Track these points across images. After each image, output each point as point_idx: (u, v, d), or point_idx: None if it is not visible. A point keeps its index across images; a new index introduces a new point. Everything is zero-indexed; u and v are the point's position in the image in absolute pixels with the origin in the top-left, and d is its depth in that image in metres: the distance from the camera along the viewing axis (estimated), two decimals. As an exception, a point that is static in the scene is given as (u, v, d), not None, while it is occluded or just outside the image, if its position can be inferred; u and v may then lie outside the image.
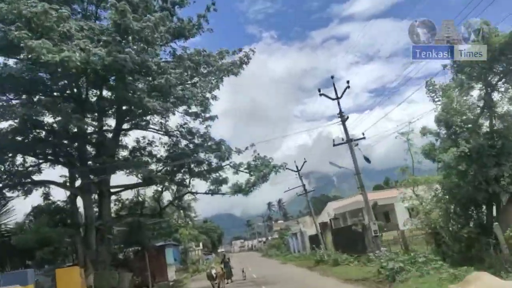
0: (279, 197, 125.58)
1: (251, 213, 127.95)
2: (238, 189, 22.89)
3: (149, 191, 27.90)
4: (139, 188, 26.18)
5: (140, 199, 28.01)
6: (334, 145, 22.91)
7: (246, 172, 23.01)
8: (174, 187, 27.01)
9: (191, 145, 24.22)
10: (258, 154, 23.08)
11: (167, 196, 29.39)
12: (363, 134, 22.82)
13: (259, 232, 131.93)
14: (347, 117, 22.48)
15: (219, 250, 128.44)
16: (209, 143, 23.46)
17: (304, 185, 40.04)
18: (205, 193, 25.21)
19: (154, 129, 24.52)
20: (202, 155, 23.87)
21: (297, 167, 37.83)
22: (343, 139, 22.41)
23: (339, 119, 22.37)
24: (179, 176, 25.46)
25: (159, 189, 26.75)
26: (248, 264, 39.43)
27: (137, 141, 25.33)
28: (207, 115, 23.36)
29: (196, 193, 27.44)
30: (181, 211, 60.20)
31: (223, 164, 23.41)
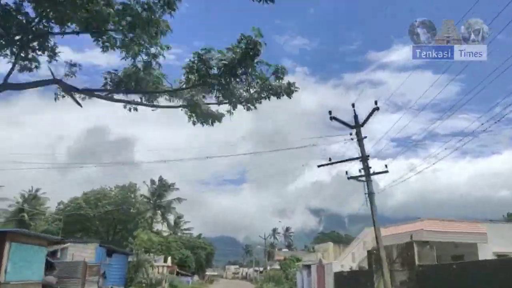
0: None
1: (254, 240, 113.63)
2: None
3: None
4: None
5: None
6: (348, 178, 18.22)
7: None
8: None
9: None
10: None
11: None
12: (386, 166, 18.07)
13: (257, 260, 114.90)
14: (368, 155, 17.84)
15: (206, 273, 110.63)
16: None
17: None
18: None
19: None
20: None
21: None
22: (360, 171, 17.44)
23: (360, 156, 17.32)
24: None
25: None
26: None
27: None
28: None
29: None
30: (157, 211, 43.51)
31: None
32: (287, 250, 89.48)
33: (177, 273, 55.61)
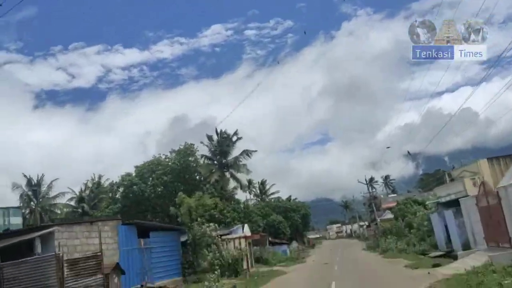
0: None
1: (350, 197, 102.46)
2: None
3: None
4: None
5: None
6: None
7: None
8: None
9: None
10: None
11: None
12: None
13: (359, 214, 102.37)
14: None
15: (308, 236, 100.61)
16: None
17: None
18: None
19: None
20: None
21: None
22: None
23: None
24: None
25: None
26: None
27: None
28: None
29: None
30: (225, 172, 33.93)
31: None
32: (395, 195, 75.40)
33: (270, 243, 45.95)
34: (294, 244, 59.59)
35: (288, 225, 57.99)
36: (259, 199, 69.60)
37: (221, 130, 39.42)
